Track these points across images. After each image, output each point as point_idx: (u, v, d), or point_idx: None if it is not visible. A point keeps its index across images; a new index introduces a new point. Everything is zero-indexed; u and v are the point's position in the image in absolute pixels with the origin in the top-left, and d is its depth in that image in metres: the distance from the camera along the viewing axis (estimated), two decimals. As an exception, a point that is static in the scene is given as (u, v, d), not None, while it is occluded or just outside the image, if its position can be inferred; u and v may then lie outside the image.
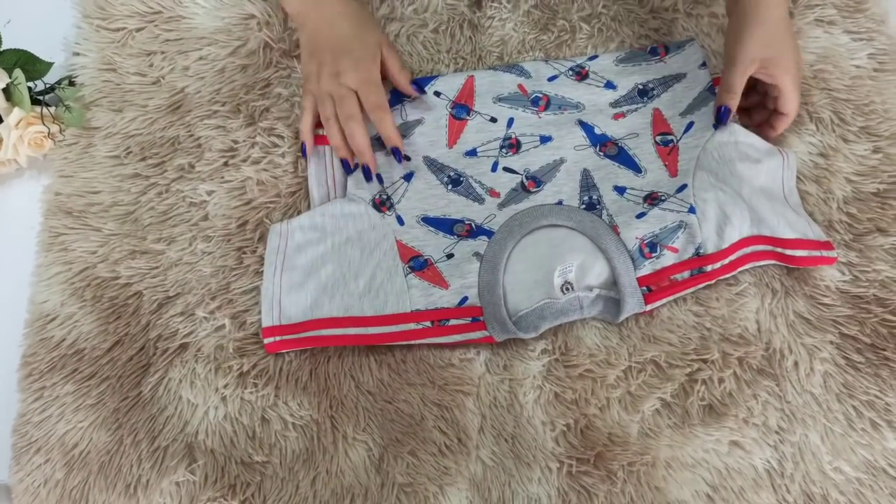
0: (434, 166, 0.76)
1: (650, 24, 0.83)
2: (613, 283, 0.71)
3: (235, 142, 0.79)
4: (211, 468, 0.70)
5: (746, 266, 0.72)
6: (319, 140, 0.77)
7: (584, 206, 0.74)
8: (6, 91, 0.76)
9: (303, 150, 0.76)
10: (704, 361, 0.71)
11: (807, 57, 0.81)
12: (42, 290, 0.75)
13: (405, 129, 0.77)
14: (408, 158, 0.76)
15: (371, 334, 0.70)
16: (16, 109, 0.75)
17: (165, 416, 0.71)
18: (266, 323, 0.71)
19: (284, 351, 0.72)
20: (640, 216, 0.72)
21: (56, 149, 0.79)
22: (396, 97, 0.79)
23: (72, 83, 0.81)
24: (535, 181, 0.75)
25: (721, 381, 0.71)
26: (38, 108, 0.77)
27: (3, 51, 0.78)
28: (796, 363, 0.71)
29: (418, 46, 0.82)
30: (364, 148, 0.73)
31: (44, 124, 0.77)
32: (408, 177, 0.76)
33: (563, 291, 0.70)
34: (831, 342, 0.72)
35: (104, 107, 0.80)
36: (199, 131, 0.79)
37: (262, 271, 0.74)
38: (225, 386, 0.72)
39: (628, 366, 0.72)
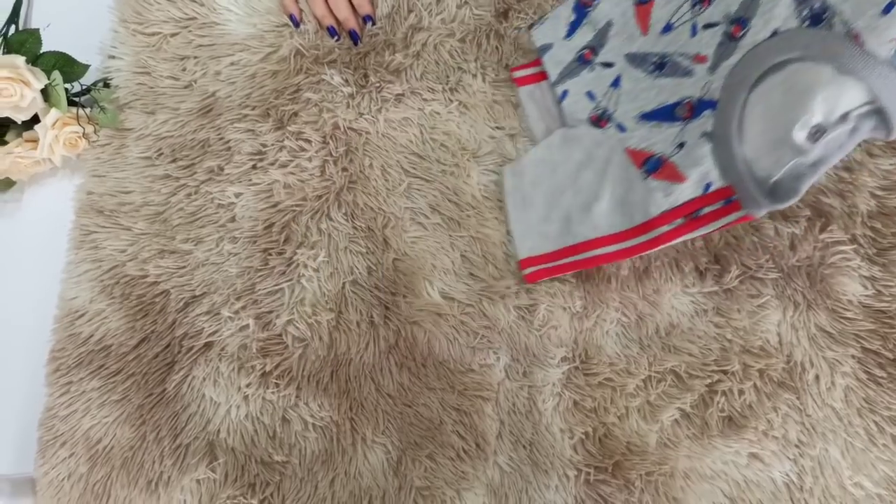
0: (636, 60, 0.73)
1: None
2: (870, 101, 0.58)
3: (264, 145, 0.81)
4: (231, 467, 0.71)
5: None
6: (527, 80, 0.80)
7: (806, 22, 0.61)
8: (44, 92, 0.78)
9: (292, 20, 0.83)
10: (725, 373, 0.71)
11: (832, 72, 0.81)
12: (72, 286, 0.77)
13: (599, 39, 0.76)
14: (609, 65, 0.74)
15: (629, 247, 0.69)
16: (53, 110, 0.77)
17: (188, 413, 0.73)
18: (522, 255, 0.73)
19: (544, 280, 0.73)
20: (888, 9, 0.56)
21: (90, 149, 0.81)
22: (580, 8, 0.77)
23: (107, 85, 0.83)
24: (739, 23, 0.65)
25: (741, 392, 0.71)
26: (73, 109, 0.79)
27: (43, 53, 0.80)
28: (817, 377, 0.71)
29: (445, 55, 0.83)
30: (348, 14, 0.82)
31: (79, 125, 0.79)
32: (615, 83, 0.74)
33: (812, 140, 0.60)
34: (853, 356, 0.71)
35: (137, 109, 0.82)
36: (229, 134, 0.81)
37: (287, 272, 0.75)
38: (247, 385, 0.73)
39: (648, 375, 0.72)
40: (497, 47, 0.83)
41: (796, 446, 0.69)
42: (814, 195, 0.77)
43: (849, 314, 0.73)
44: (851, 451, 0.69)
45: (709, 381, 0.71)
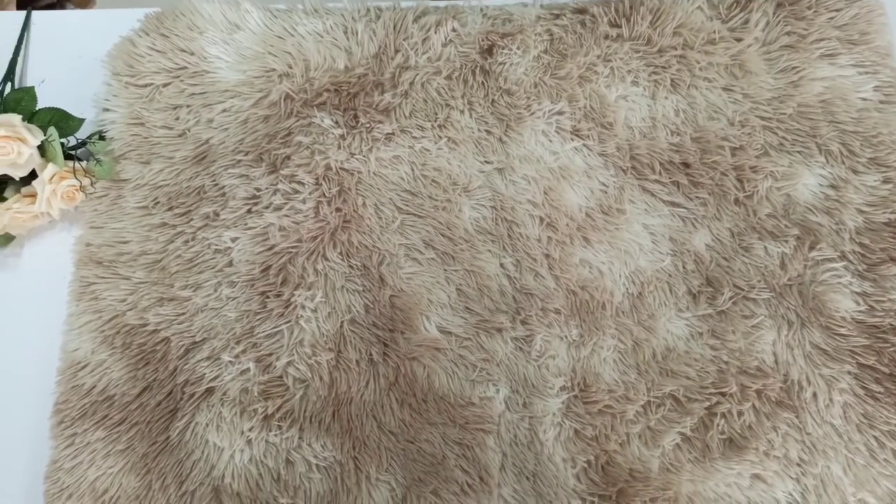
0: None
1: (659, 62, 0.85)
2: None
3: (258, 189, 0.82)
4: (238, 510, 0.71)
5: None
6: None
7: None
8: (41, 148, 0.79)
9: None
10: (723, 395, 0.72)
11: (814, 89, 0.82)
12: (73, 338, 0.78)
13: None
14: None
15: None
16: (50, 165, 0.79)
17: (192, 460, 0.73)
18: None
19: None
20: None
21: (87, 201, 0.83)
22: None
23: (102, 138, 0.85)
24: None
25: (740, 413, 0.71)
26: (70, 163, 0.81)
27: (38, 110, 0.82)
28: (815, 394, 0.71)
29: (432, 93, 0.85)
30: None
31: (76, 178, 0.80)
32: None
33: None
34: (849, 372, 0.72)
35: (133, 159, 0.84)
36: (224, 180, 0.82)
37: (286, 314, 0.76)
38: (250, 429, 0.73)
39: (647, 401, 0.72)
40: (483, 83, 0.85)
41: (798, 465, 0.70)
42: (801, 214, 0.78)
43: (843, 330, 0.73)
44: (853, 467, 0.69)
45: (707, 403, 0.72)
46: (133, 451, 0.73)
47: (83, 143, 0.84)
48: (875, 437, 0.70)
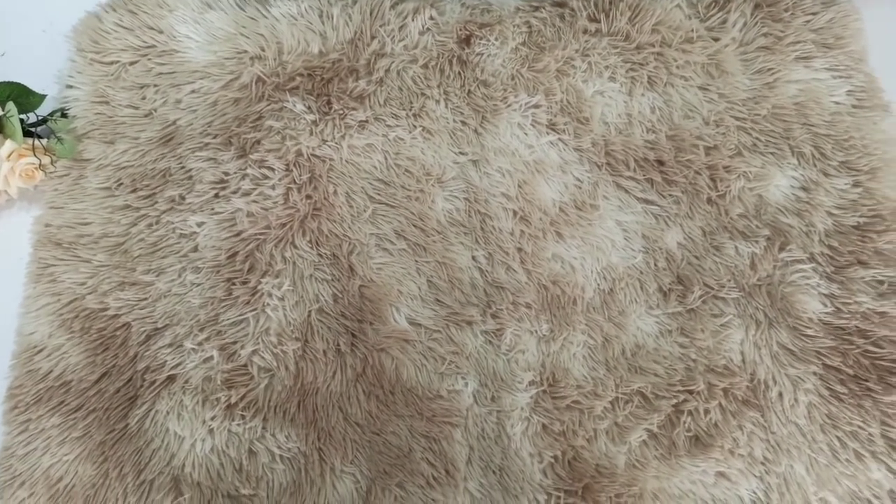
0: None
1: (636, 59, 0.85)
2: None
3: (226, 173, 0.80)
4: (197, 502, 0.70)
5: None
6: None
7: None
8: (-1, 123, 0.76)
9: None
10: (690, 392, 0.72)
11: (788, 91, 0.83)
12: (30, 321, 0.75)
13: None
14: None
15: None
16: (8, 141, 0.76)
17: (152, 448, 0.71)
18: None
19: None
20: None
21: (47, 180, 0.80)
22: None
23: (64, 115, 0.82)
24: None
25: (707, 411, 0.71)
26: (29, 140, 0.78)
27: (-3, 84, 0.79)
28: (781, 394, 0.72)
29: (408, 81, 0.84)
30: None
31: (35, 156, 0.77)
32: None
33: None
34: (815, 373, 0.73)
35: (96, 139, 0.81)
36: (191, 163, 0.80)
37: (252, 302, 0.74)
38: (212, 418, 0.72)
39: (615, 397, 0.72)
40: (460, 73, 0.84)
41: (762, 464, 0.70)
42: (772, 215, 0.79)
43: (809, 331, 0.74)
44: (816, 466, 0.70)
45: (675, 401, 0.72)
46: (90, 439, 0.71)
47: (44, 121, 0.81)
48: (838, 438, 0.71)
